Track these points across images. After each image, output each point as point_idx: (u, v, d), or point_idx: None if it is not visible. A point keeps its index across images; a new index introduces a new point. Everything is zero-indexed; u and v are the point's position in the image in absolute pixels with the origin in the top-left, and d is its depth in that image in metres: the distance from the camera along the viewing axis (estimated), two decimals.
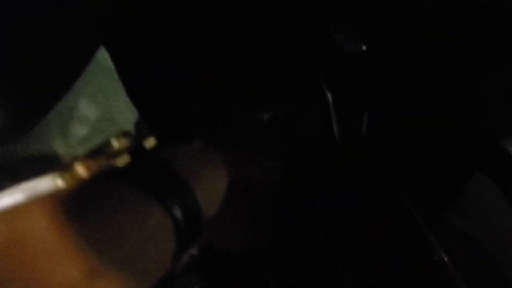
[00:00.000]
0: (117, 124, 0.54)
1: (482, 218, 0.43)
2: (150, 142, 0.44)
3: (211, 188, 0.41)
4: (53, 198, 0.35)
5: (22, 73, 0.28)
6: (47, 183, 0.46)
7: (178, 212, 0.37)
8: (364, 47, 0.42)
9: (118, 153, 0.44)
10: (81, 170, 0.44)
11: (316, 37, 0.44)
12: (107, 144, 0.45)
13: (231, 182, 0.42)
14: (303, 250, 0.50)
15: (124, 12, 0.54)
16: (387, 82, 0.44)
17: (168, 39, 0.57)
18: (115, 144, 0.45)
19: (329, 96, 0.43)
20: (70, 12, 0.29)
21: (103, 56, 0.56)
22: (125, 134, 0.46)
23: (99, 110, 0.53)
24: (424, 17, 0.42)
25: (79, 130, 0.50)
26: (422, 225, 0.44)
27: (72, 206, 0.34)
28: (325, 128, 0.45)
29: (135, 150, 0.41)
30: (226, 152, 0.44)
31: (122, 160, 0.40)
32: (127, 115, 0.56)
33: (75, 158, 0.46)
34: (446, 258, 0.43)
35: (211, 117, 0.54)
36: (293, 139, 0.48)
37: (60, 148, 0.49)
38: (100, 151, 0.45)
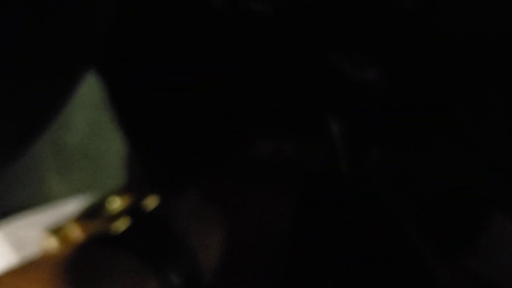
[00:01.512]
0: (106, 163, 0.53)
1: (501, 261, 0.41)
2: (150, 201, 0.43)
3: (213, 246, 0.40)
4: (41, 267, 0.35)
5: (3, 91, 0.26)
6: (36, 234, 0.45)
7: (177, 281, 0.36)
8: (371, 75, 0.41)
9: (116, 214, 0.43)
10: (75, 231, 0.43)
11: (319, 65, 0.43)
12: (106, 203, 0.45)
13: (235, 234, 0.41)
14: None
15: (120, 41, 0.54)
16: (397, 112, 0.43)
17: (162, 72, 0.57)
18: (114, 204, 0.45)
19: (335, 127, 0.42)
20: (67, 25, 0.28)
21: (94, 88, 0.55)
22: (125, 191, 0.46)
23: (90, 147, 0.53)
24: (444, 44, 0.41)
25: (71, 167, 0.51)
26: (435, 268, 0.43)
27: (62, 278, 0.33)
28: (331, 161, 0.44)
29: (134, 210, 0.40)
30: (228, 200, 0.42)
31: (121, 224, 0.39)
32: (117, 150, 0.55)
33: (69, 218, 0.45)
34: None
35: (209, 154, 0.53)
36: (298, 173, 0.46)
37: (52, 185, 0.48)
38: (98, 211, 0.44)
